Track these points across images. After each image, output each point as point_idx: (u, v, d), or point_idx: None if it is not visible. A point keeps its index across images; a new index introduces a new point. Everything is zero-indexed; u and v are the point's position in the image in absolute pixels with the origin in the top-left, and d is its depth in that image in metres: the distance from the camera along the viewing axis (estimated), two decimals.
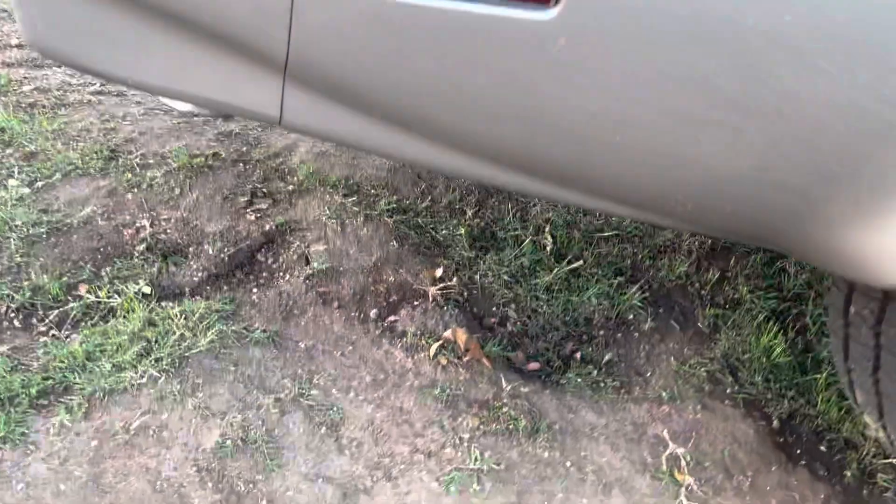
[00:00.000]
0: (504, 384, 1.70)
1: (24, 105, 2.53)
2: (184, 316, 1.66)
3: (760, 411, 1.79)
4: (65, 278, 1.76)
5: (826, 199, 1.12)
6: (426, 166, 1.20)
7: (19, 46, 3.09)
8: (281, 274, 1.92)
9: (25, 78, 2.75)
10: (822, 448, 1.73)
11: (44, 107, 2.54)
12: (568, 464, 1.54)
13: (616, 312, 1.99)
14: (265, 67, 0.97)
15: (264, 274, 1.92)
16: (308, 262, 1.95)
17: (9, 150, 2.20)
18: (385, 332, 1.80)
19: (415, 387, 1.65)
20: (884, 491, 1.65)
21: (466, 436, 1.55)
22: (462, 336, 1.72)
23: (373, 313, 1.84)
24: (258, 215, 2.08)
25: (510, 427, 1.59)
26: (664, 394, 1.78)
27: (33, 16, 0.93)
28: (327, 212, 2.10)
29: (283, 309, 1.79)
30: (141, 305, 1.68)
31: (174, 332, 1.60)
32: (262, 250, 1.99)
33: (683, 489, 1.54)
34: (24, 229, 1.86)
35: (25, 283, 1.71)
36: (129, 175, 2.15)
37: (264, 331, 1.70)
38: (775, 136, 1.04)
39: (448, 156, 1.12)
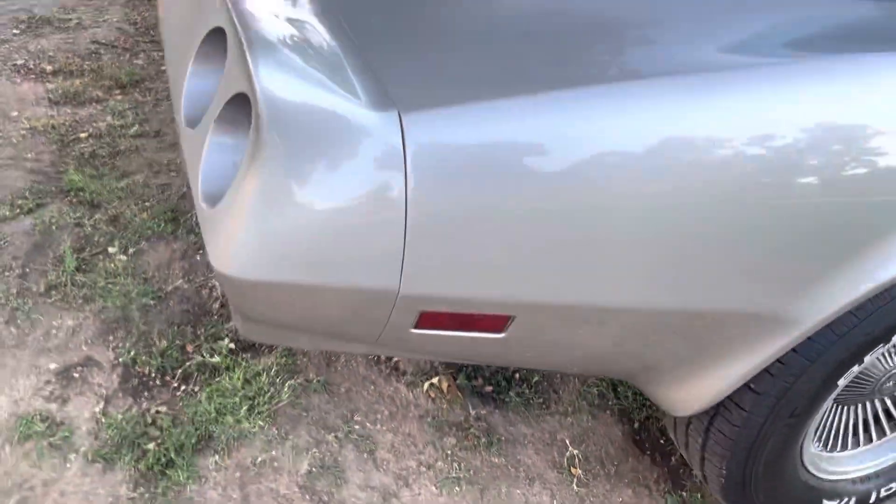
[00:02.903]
0: (471, 409, 2.69)
1: (86, 156, 3.17)
2: (266, 374, 2.55)
3: (628, 417, 2.86)
4: (177, 341, 2.59)
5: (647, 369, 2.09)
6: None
7: (54, 73, 3.62)
8: None
9: (76, 122, 3.35)
10: (662, 441, 2.83)
11: (103, 157, 3.19)
12: (509, 466, 2.57)
13: None
14: None
15: None
16: None
17: (98, 215, 2.91)
18: (392, 371, 2.73)
19: (416, 416, 2.62)
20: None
21: (449, 452, 2.55)
22: (445, 383, 2.68)
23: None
24: None
25: (475, 443, 2.60)
26: (570, 408, 2.82)
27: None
28: None
29: (325, 357, 2.69)
30: (238, 366, 2.55)
31: (265, 391, 2.49)
32: None
33: (576, 479, 2.60)
34: (139, 299, 2.65)
35: (154, 349, 2.54)
36: (193, 236, 2.91)
37: (318, 380, 2.61)
38: (611, 335, 1.96)
39: None
